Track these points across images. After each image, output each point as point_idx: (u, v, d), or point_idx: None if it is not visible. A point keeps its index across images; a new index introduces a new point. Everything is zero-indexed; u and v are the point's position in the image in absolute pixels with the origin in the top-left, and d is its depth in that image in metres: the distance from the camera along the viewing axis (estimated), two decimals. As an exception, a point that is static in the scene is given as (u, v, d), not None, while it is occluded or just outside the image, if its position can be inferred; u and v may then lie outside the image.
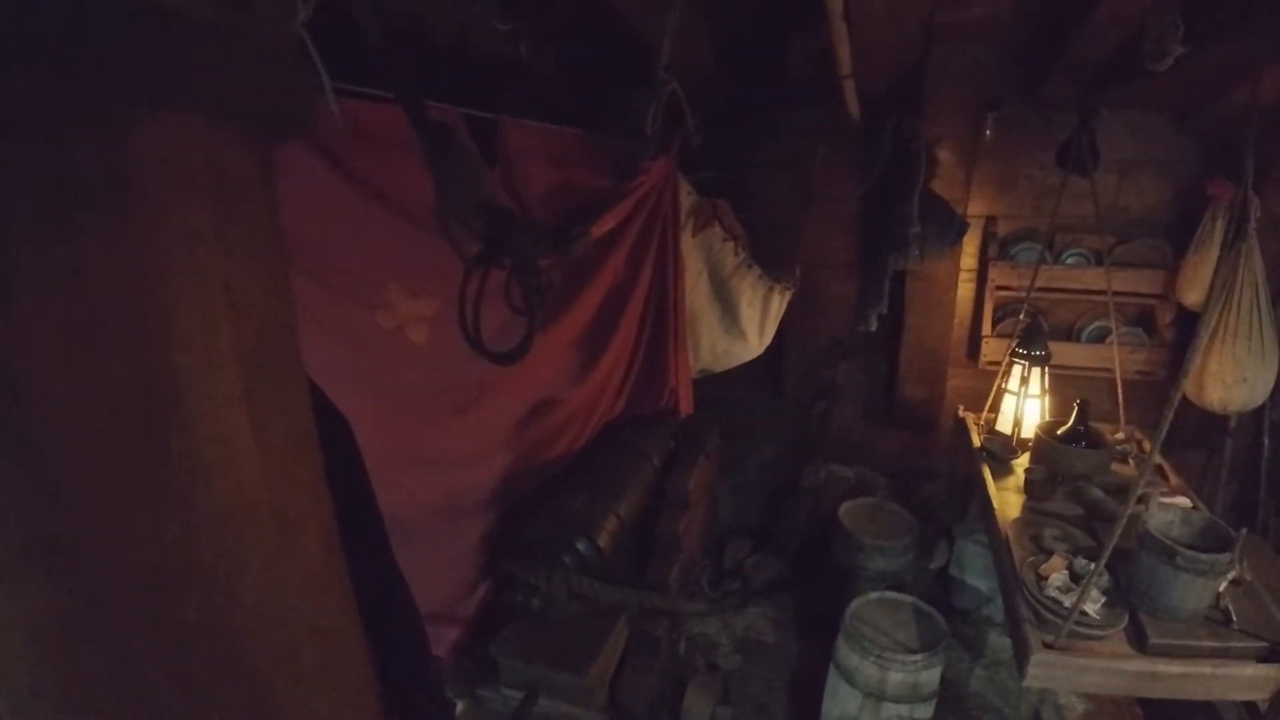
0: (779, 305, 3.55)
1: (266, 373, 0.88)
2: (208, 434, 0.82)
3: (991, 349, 3.89)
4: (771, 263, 3.56)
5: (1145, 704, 3.16)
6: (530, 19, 2.40)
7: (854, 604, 2.77)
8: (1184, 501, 2.65)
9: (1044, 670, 2.01)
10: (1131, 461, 3.01)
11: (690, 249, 3.24)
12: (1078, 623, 2.01)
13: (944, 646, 2.62)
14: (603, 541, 2.21)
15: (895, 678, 2.49)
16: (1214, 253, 3.42)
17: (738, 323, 3.50)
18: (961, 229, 3.54)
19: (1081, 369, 3.80)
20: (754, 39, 3.33)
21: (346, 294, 1.68)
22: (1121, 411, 3.31)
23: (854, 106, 3.25)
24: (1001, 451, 3.03)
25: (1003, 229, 3.85)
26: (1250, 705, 2.20)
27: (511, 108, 2.31)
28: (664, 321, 3.08)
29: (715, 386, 3.60)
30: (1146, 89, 3.00)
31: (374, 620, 1.23)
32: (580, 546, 2.17)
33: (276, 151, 0.96)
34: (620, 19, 2.39)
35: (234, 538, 0.87)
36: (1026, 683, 2.01)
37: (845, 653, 2.65)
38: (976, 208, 3.81)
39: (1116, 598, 2.14)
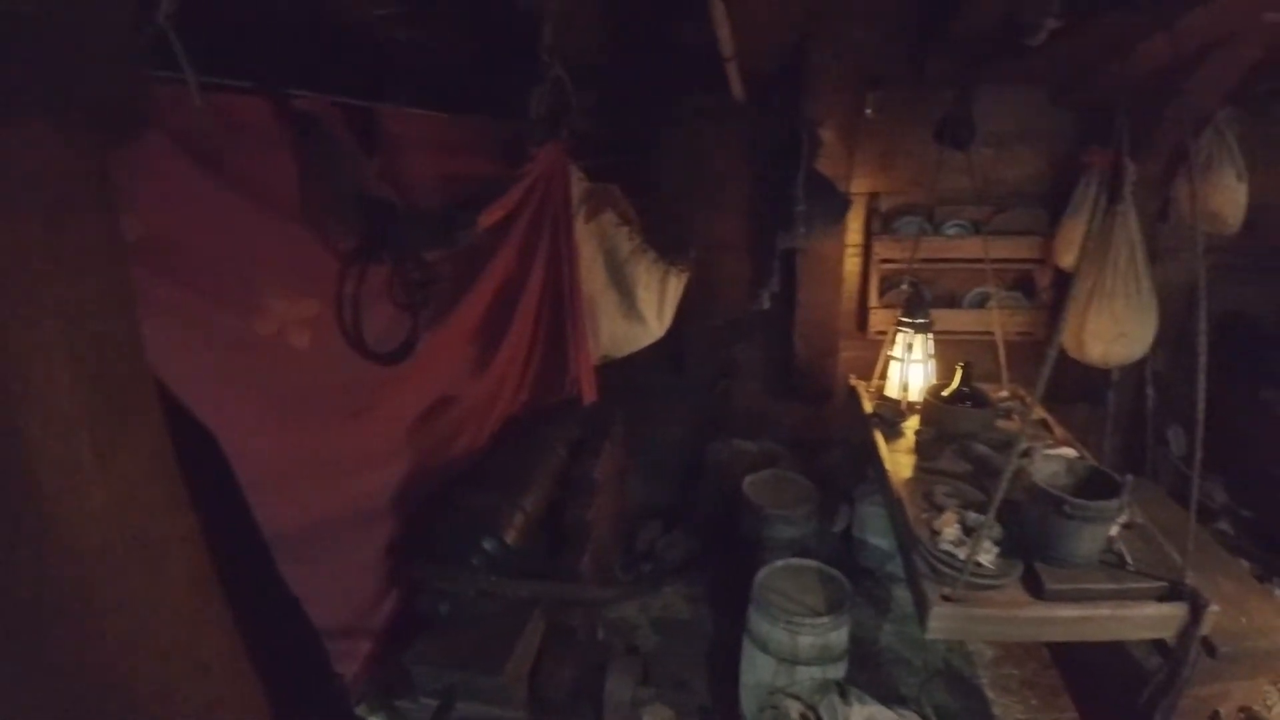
0: (676, 287, 3.59)
1: (110, 393, 0.82)
2: (48, 463, 0.76)
3: (879, 319, 4.09)
4: (667, 246, 3.59)
5: (1053, 644, 3.42)
6: (412, 2, 2.32)
7: (761, 574, 2.87)
8: (1069, 452, 2.85)
9: (944, 622, 2.09)
10: (1016, 417, 3.23)
11: (584, 235, 3.22)
12: (974, 574, 2.11)
13: (849, 607, 2.75)
14: (510, 538, 2.19)
15: (806, 641, 2.61)
16: (1088, 218, 3.70)
17: (636, 307, 3.52)
18: (845, 206, 3.68)
19: (966, 333, 4.04)
20: (646, 22, 3.33)
21: (220, 299, 1.57)
22: (1004, 371, 3.55)
23: (738, 89, 3.31)
24: (892, 416, 3.18)
25: (886, 204, 4.04)
26: (1159, 641, 2.31)
27: (399, 96, 2.23)
28: (561, 310, 3.06)
29: (618, 372, 3.61)
30: (1025, 65, 3.16)
31: (264, 644, 1.18)
32: (487, 545, 2.14)
33: (114, 154, 0.89)
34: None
35: (90, 570, 0.81)
36: (929, 635, 2.11)
37: (756, 621, 2.75)
38: (860, 185, 3.98)
39: (1011, 548, 2.23)
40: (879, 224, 4.01)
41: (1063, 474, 2.32)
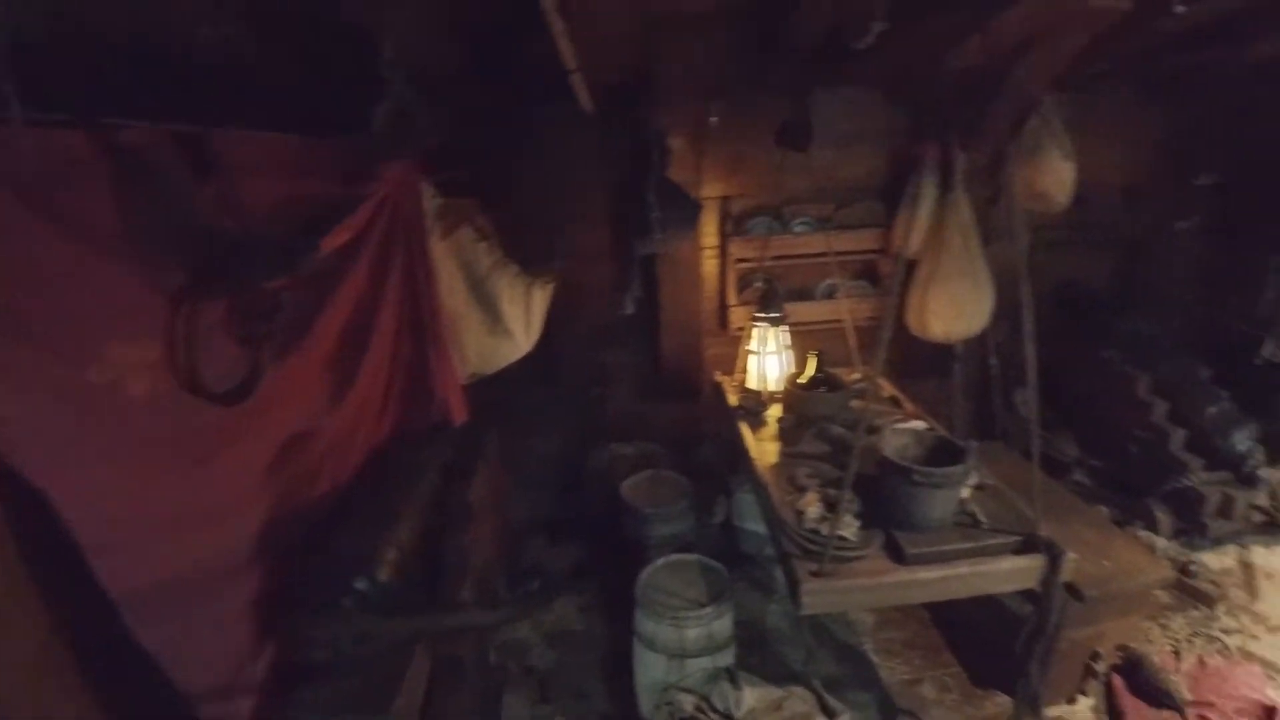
0: (541, 300, 3.59)
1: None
2: None
3: (739, 316, 4.27)
4: (531, 258, 3.59)
5: (931, 605, 3.63)
6: (247, 20, 2.18)
7: (644, 574, 2.93)
8: (919, 425, 3.09)
9: (815, 597, 2.18)
10: (868, 396, 3.46)
11: (441, 253, 3.15)
12: (838, 548, 2.21)
13: (730, 595, 2.85)
14: (384, 575, 2.10)
15: (692, 634, 2.68)
16: (925, 206, 4.01)
17: (501, 321, 3.48)
18: (696, 211, 3.82)
19: (820, 323, 4.29)
20: (494, 34, 3.30)
21: (48, 349, 1.42)
22: (856, 355, 3.80)
23: (587, 100, 3.35)
24: (755, 407, 3.34)
25: (737, 206, 4.23)
26: (1029, 592, 2.44)
27: (239, 119, 2.09)
28: (421, 331, 2.98)
29: (490, 388, 3.56)
30: (858, 68, 3.38)
31: (124, 711, 1.07)
32: (360, 586, 2.04)
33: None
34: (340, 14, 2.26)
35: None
36: (802, 611, 2.20)
37: (643, 622, 2.79)
38: (711, 189, 4.14)
39: (871, 520, 2.37)
40: (732, 226, 4.19)
41: (912, 445, 2.48)
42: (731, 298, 4.27)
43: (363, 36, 2.33)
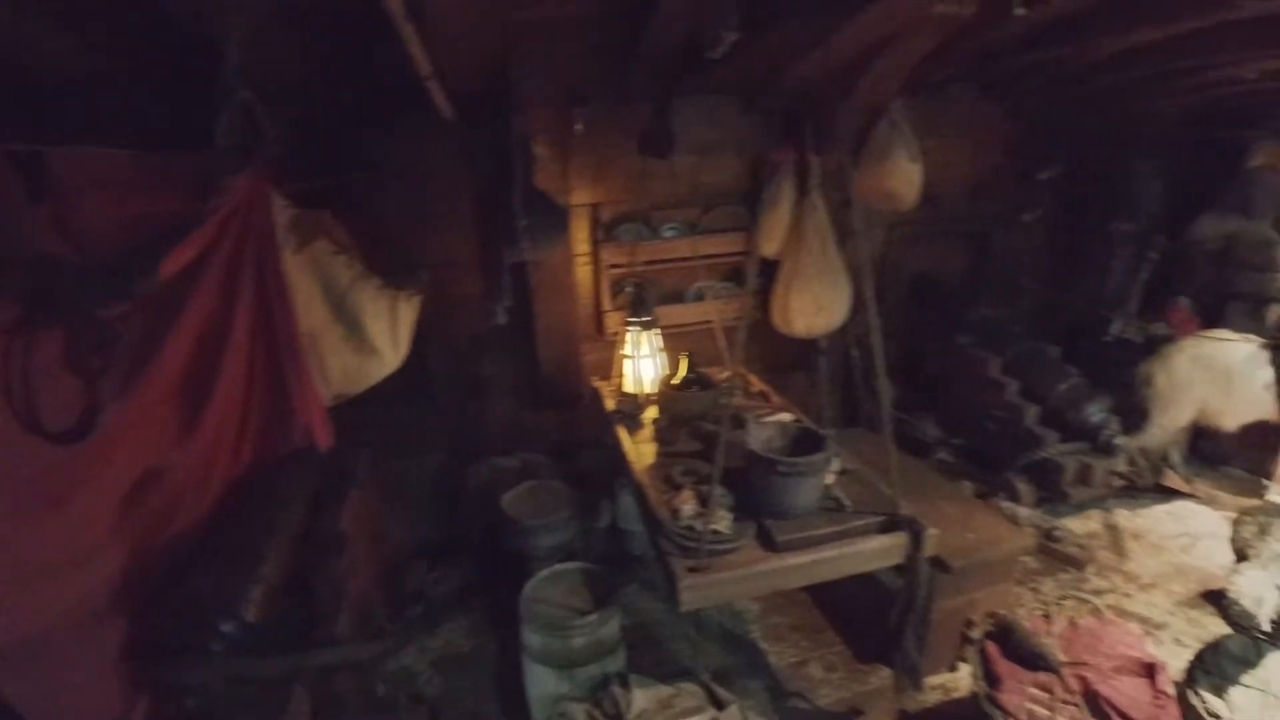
0: (408, 313, 3.56)
1: None
2: None
3: (614, 321, 4.42)
4: (395, 269, 3.55)
5: (812, 587, 3.79)
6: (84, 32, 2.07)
7: (527, 587, 2.99)
8: (785, 417, 3.29)
9: (693, 592, 2.28)
10: (739, 394, 3.66)
11: (296, 268, 3.06)
12: (713, 542, 2.33)
13: (614, 598, 2.95)
14: (251, 615, 2.05)
15: (579, 643, 2.76)
16: (783, 209, 4.29)
17: (367, 339, 3.42)
18: (563, 218, 3.90)
19: (693, 324, 4.52)
20: (344, 40, 3.24)
21: None
22: (726, 354, 4.00)
23: (446, 107, 3.36)
24: (632, 410, 3.48)
25: (607, 213, 4.37)
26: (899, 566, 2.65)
27: (74, 136, 1.98)
28: (278, 353, 2.89)
29: (359, 408, 3.49)
30: (716, 76, 3.53)
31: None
32: (226, 628, 1.98)
33: None
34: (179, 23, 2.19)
35: None
36: (682, 608, 2.30)
37: (529, 636, 2.85)
38: (581, 196, 4.27)
39: (744, 511, 2.50)
40: (602, 232, 4.32)
41: (777, 437, 2.66)
42: (606, 303, 4.41)
43: (207, 46, 2.27)
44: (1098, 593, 3.97)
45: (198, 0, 2.25)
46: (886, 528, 2.53)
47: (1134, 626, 3.25)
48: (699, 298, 4.59)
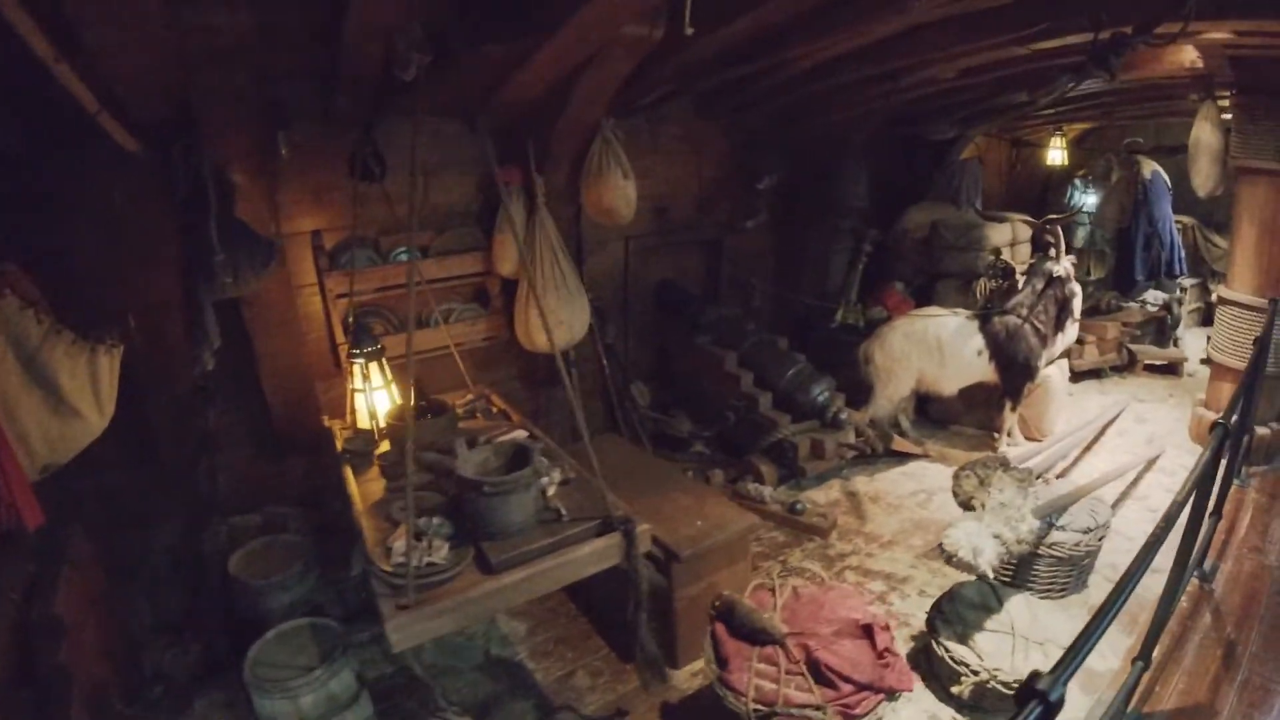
0: (110, 367, 3.52)
1: None
2: None
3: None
4: (90, 320, 3.50)
5: (573, 594, 4.27)
6: None
7: (250, 652, 3.17)
8: (520, 434, 3.67)
9: (403, 631, 2.41)
10: (480, 415, 4.02)
11: (-19, 329, 3.02)
12: (423, 575, 2.50)
13: (342, 650, 3.16)
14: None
15: (308, 700, 2.97)
16: (515, 228, 4.71)
17: (66, 400, 3.38)
18: (269, 249, 4.01)
19: (439, 349, 4.78)
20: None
21: None
22: (468, 376, 4.36)
23: (126, 139, 3.42)
24: (365, 447, 3.69)
25: (330, 240, 4.60)
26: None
27: None
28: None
29: (74, 477, 3.42)
30: (433, 98, 3.84)
31: None
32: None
33: None
34: None
35: None
36: (395, 648, 2.46)
37: (258, 701, 3.04)
38: (297, 224, 4.49)
39: (463, 538, 2.71)
40: (326, 260, 4.50)
41: (492, 458, 2.97)
42: (340, 335, 4.60)
43: None
44: (842, 555, 4.77)
45: None
46: (602, 531, 2.82)
47: (850, 589, 3.75)
48: (443, 320, 4.91)
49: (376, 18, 3.12)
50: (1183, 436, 6.14)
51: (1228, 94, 5.42)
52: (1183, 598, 3.88)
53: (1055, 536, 4.11)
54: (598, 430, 5.58)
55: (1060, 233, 5.85)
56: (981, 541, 3.79)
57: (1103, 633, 1.84)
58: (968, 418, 6.49)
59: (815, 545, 4.90)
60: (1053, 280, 5.68)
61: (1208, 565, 3.92)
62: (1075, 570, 4.20)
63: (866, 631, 3.13)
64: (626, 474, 4.20)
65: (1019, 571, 4.20)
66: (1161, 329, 7.93)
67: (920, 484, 5.64)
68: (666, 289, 6.30)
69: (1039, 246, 6.71)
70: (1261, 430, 5.61)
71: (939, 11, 4.00)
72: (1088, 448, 6.12)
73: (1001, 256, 6.40)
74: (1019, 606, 3.62)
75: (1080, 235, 8.22)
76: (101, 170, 3.96)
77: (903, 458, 5.95)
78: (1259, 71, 4.85)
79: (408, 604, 2.45)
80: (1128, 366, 7.82)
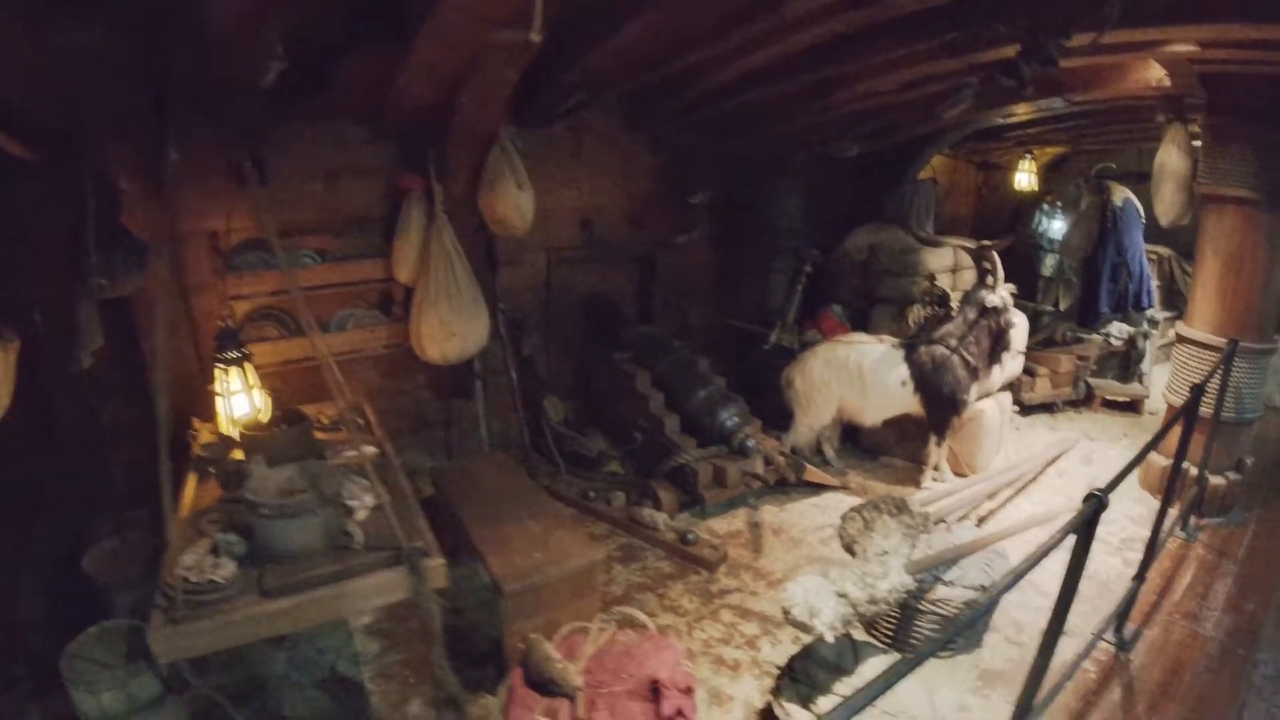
0: (4, 360, 3.55)
1: None
2: None
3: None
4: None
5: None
6: None
7: (69, 647, 3.14)
8: (369, 450, 3.61)
9: (164, 644, 2.45)
10: (345, 429, 3.96)
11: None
12: (193, 591, 2.50)
13: (144, 652, 3.11)
14: None
15: (107, 697, 2.92)
16: (415, 236, 4.68)
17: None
18: (143, 253, 4.01)
19: (342, 354, 4.76)
20: None
21: None
22: (344, 385, 4.28)
23: (19, 150, 3.45)
24: (220, 453, 3.67)
25: (225, 242, 4.55)
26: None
27: None
28: None
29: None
30: (329, 103, 3.87)
31: None
32: None
33: None
34: None
35: None
36: (161, 660, 2.53)
37: (71, 694, 2.97)
38: (194, 225, 4.43)
39: (255, 559, 2.71)
40: (222, 262, 4.49)
41: (297, 478, 2.93)
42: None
43: None
44: (723, 592, 4.57)
45: None
46: (394, 562, 2.78)
47: (665, 642, 3.52)
48: (344, 326, 4.88)
49: (228, 22, 3.08)
50: (1131, 481, 5.74)
51: (1197, 116, 5.16)
52: (1092, 668, 3.65)
53: (941, 592, 3.78)
54: (502, 446, 5.54)
55: (997, 259, 5.60)
56: (820, 600, 3.33)
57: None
58: (898, 449, 6.26)
59: (700, 579, 4.69)
60: (986, 310, 5.42)
61: (1128, 631, 3.67)
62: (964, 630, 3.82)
63: (653, 691, 3.00)
64: (491, 497, 4.12)
65: (901, 629, 3.89)
66: (1127, 363, 7.59)
67: (830, 518, 5.32)
68: (595, 304, 6.21)
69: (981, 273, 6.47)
70: (1216, 480, 5.33)
71: (849, 18, 3.84)
72: (1022, 488, 5.84)
73: (936, 282, 6.20)
74: (875, 671, 3.21)
75: (1049, 263, 7.98)
76: (7, 174, 4.02)
77: (818, 488, 5.69)
78: (1232, 89, 4.60)
79: (176, 617, 2.48)
80: (1084, 401, 7.57)
